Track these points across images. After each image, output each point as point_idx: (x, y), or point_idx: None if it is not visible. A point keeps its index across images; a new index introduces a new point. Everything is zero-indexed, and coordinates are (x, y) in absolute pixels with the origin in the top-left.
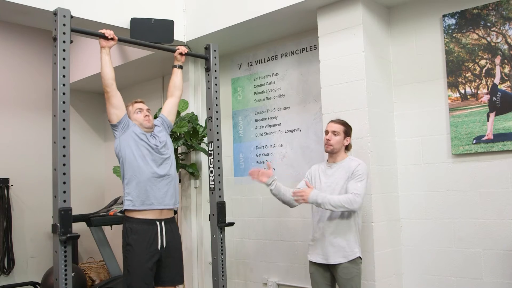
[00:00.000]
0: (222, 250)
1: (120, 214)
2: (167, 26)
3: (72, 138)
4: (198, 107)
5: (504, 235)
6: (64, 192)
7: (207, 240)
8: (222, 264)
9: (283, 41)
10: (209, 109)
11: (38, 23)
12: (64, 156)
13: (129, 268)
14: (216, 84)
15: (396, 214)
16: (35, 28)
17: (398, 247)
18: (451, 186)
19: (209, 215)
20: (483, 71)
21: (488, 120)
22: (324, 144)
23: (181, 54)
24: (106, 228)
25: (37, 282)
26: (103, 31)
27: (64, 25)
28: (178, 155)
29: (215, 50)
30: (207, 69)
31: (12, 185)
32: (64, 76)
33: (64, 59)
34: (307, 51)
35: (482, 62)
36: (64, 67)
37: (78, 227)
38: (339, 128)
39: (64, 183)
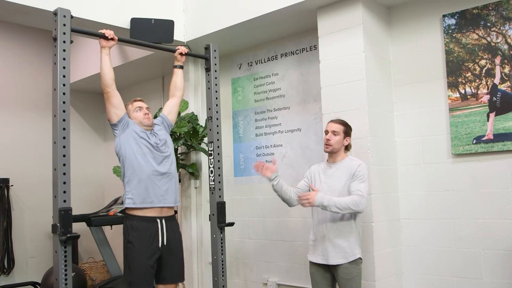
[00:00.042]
0: (222, 250)
1: (120, 214)
2: (167, 26)
3: (72, 138)
4: (198, 107)
5: (504, 235)
6: (64, 192)
7: (207, 240)
8: (222, 264)
9: (283, 41)
10: (209, 109)
11: (38, 23)
12: (64, 156)
13: (130, 265)
14: (216, 84)
15: (396, 214)
16: (35, 28)
17: (398, 247)
18: (451, 186)
19: (209, 215)
20: (483, 71)
21: (488, 120)
22: (324, 144)
23: (181, 54)
24: (106, 228)
25: (37, 282)
26: (103, 31)
27: (64, 25)
28: (178, 155)
29: (215, 50)
30: (207, 69)
31: (12, 185)
32: (64, 76)
33: (64, 59)
34: (307, 51)
35: (482, 62)
36: (64, 67)
37: (78, 227)
38: (339, 128)
39: (64, 183)
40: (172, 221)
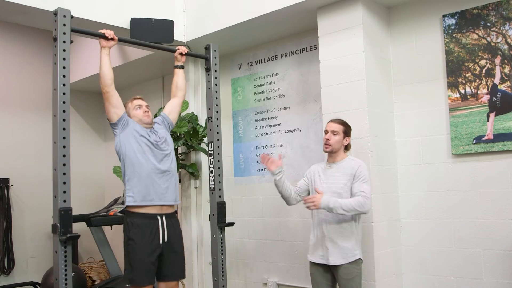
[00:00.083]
0: (222, 250)
1: (120, 214)
2: (167, 26)
3: (72, 138)
4: (198, 107)
5: (504, 235)
6: (64, 192)
7: (207, 240)
8: (222, 264)
9: (283, 41)
10: (209, 109)
11: (38, 23)
12: (64, 156)
13: (132, 262)
14: (216, 84)
15: (396, 214)
16: (35, 28)
17: (398, 247)
18: (451, 186)
19: (209, 215)
20: (483, 71)
21: (488, 120)
22: (323, 144)
23: (181, 54)
24: (106, 228)
25: (37, 282)
26: (103, 31)
27: (64, 25)
28: (178, 155)
29: (215, 50)
30: (207, 69)
31: (12, 185)
32: (64, 76)
33: (64, 59)
34: (307, 51)
35: (482, 62)
36: (64, 67)
37: (78, 227)
38: (338, 127)
39: (64, 183)
40: (172, 218)
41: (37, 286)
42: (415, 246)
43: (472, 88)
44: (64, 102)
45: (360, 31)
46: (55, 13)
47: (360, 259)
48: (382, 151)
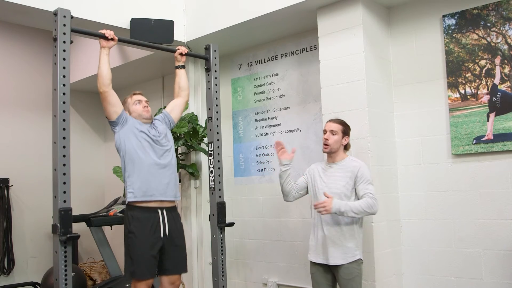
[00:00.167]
0: (222, 250)
1: (120, 215)
2: (167, 26)
3: (72, 138)
4: (198, 107)
5: (504, 235)
6: (64, 192)
7: (207, 240)
8: (222, 264)
9: (283, 41)
10: (209, 109)
11: (38, 23)
12: (64, 156)
13: (132, 255)
14: (216, 85)
15: (396, 214)
16: (35, 28)
17: (398, 247)
18: (451, 187)
19: (209, 215)
20: (483, 71)
21: (488, 120)
22: (322, 144)
23: (181, 54)
24: (106, 229)
25: (37, 282)
26: (103, 31)
27: (64, 25)
28: (178, 155)
29: (215, 51)
30: (207, 70)
31: (12, 185)
32: (64, 76)
33: (64, 59)
34: (307, 51)
35: (482, 62)
36: (64, 67)
37: (78, 227)
38: (337, 127)
39: (64, 183)
40: (173, 212)
41: (37, 286)
42: (415, 246)
43: (472, 88)
44: (64, 102)
45: (360, 31)
46: (55, 13)
47: (360, 259)
48: (382, 151)
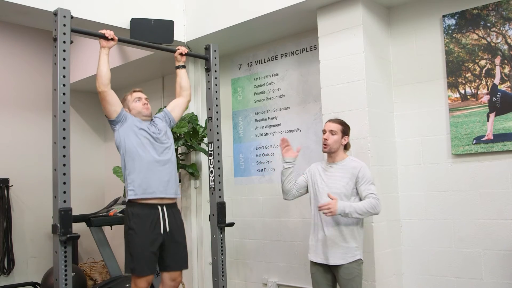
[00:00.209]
0: (222, 250)
1: (120, 215)
2: (167, 26)
3: (72, 138)
4: (198, 107)
5: (504, 235)
6: (64, 192)
7: (207, 240)
8: (222, 264)
9: (283, 41)
10: (209, 109)
11: (38, 23)
12: (64, 156)
13: (132, 252)
14: (216, 85)
15: (396, 214)
16: (35, 28)
17: (398, 247)
18: (451, 187)
19: (209, 215)
20: (483, 72)
21: (488, 121)
22: (322, 144)
23: (181, 54)
24: (106, 229)
25: (37, 282)
26: (103, 31)
27: (64, 25)
28: (178, 155)
29: (215, 51)
30: (207, 70)
31: (12, 185)
32: (64, 76)
33: (64, 59)
34: (307, 51)
35: (482, 62)
36: (64, 67)
37: (78, 228)
38: (336, 127)
39: (64, 183)
40: (173, 208)
41: (37, 286)
42: (415, 246)
43: (472, 88)
44: (64, 102)
45: (360, 31)
46: (55, 13)
47: (360, 259)
48: (382, 151)
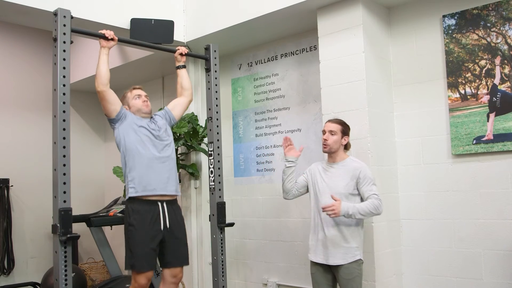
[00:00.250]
0: (222, 250)
1: (120, 215)
2: (167, 26)
3: (72, 138)
4: (198, 108)
5: (504, 235)
6: (64, 192)
7: (207, 240)
8: (222, 264)
9: (283, 42)
10: (209, 109)
11: (38, 24)
12: (64, 156)
13: (132, 248)
14: (216, 85)
15: (396, 214)
16: (35, 28)
17: (398, 247)
18: (451, 187)
19: (209, 215)
20: (483, 72)
21: (488, 121)
22: (321, 144)
23: (181, 54)
24: (106, 229)
25: (37, 282)
26: (103, 31)
27: (64, 25)
28: (178, 156)
29: (215, 51)
30: (207, 70)
31: (12, 185)
32: (64, 76)
33: (64, 59)
34: (307, 51)
35: (482, 62)
36: (64, 68)
37: (78, 228)
38: (336, 127)
39: (64, 183)
40: (173, 205)
41: (37, 286)
42: (415, 246)
43: (472, 88)
44: (64, 102)
45: (360, 31)
46: (55, 14)
47: (360, 259)
48: (382, 152)
